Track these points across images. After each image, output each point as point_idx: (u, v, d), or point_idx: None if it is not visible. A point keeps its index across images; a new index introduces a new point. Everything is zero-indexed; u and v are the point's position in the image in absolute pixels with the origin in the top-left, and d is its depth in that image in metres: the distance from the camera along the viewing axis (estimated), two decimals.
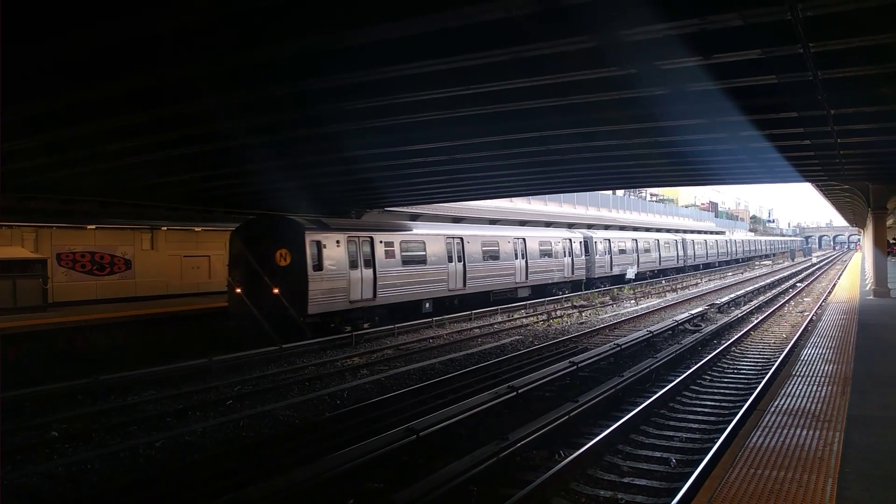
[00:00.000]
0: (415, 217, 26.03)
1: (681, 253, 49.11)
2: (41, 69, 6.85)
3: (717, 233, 70.01)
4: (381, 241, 20.37)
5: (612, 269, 35.68)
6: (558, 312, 25.65)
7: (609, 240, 36.09)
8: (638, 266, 39.02)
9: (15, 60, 6.32)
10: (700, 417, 10.33)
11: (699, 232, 62.72)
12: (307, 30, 5.96)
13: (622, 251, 37.43)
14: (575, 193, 38.74)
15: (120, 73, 7.06)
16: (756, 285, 35.35)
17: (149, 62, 6.82)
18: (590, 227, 39.80)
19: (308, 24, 5.95)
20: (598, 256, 34.11)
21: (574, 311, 26.35)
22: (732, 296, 28.56)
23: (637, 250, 39.85)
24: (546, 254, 29.50)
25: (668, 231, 52.98)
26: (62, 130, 9.43)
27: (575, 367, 12.49)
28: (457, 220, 28.41)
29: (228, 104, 8.69)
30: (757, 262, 72.43)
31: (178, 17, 5.80)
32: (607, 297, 30.85)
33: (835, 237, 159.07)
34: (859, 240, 78.96)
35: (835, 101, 8.74)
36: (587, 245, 33.34)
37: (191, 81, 7.65)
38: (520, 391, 10.55)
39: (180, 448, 9.59)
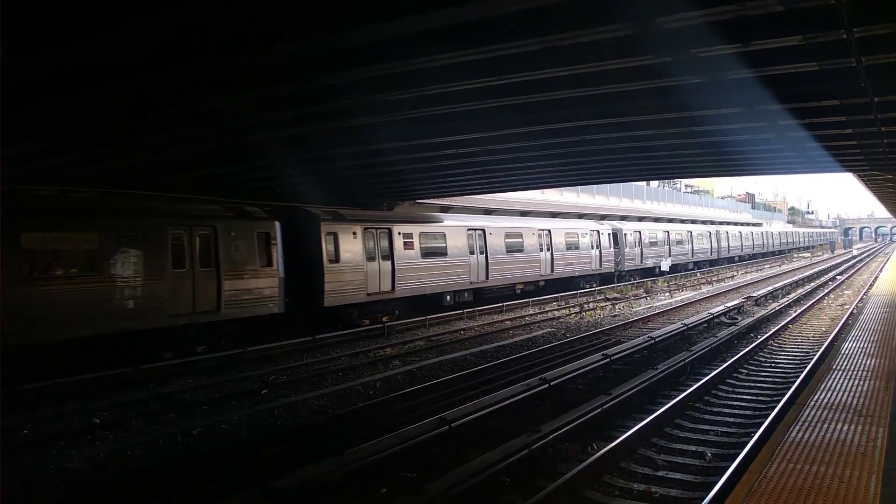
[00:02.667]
0: (446, 209, 26.00)
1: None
2: (76, 68, 6.99)
3: (753, 224, 68.56)
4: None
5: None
6: (591, 305, 25.45)
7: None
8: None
9: (54, 60, 6.49)
10: (736, 412, 10.17)
11: (735, 224, 61.38)
12: (338, 23, 5.98)
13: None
14: (608, 185, 38.31)
15: (157, 68, 7.16)
16: (794, 278, 34.63)
17: (182, 58, 6.92)
18: (622, 218, 39.34)
19: (340, 16, 5.97)
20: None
21: (607, 303, 26.12)
22: (770, 288, 28.03)
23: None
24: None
25: (703, 223, 52.05)
26: (96, 127, 9.62)
27: (608, 359, 12.40)
28: (488, 211, 28.30)
29: (259, 98, 8.77)
30: (795, 255, 71.03)
31: (208, 13, 5.87)
32: (641, 290, 30.49)
33: (876, 229, 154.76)
34: None
35: (879, 89, 8.47)
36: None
37: (223, 77, 7.73)
38: (552, 383, 10.51)
39: (216, 436, 9.77)
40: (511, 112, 9.90)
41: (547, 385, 10.39)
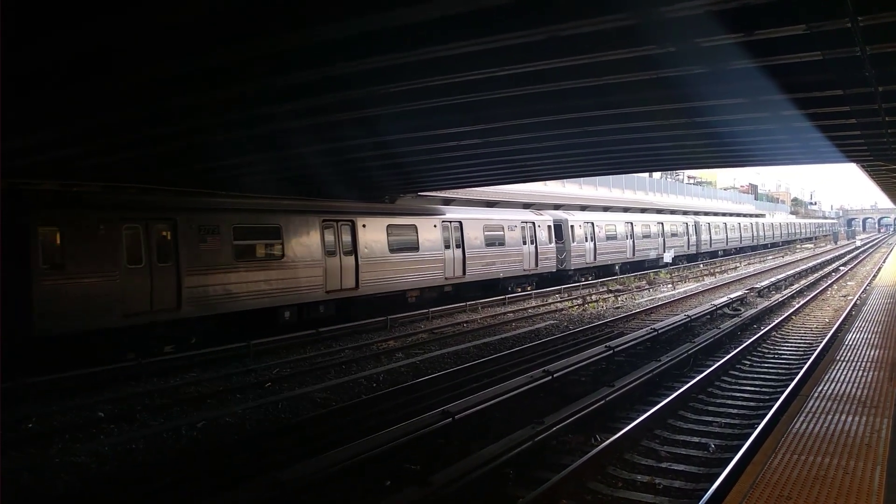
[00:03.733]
0: (447, 201, 25.95)
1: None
2: (80, 55, 6.96)
3: (756, 215, 68.34)
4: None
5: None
6: (593, 297, 25.45)
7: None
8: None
9: (53, 47, 6.46)
10: (740, 403, 10.18)
11: (737, 215, 60.99)
12: (348, 11, 5.94)
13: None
14: (610, 177, 38.19)
15: (163, 57, 7.13)
16: (797, 269, 34.58)
17: (186, 48, 6.88)
18: (625, 210, 39.26)
19: (349, 5, 5.93)
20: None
21: (610, 295, 26.12)
22: (773, 279, 28.00)
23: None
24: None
25: (685, 213, 50.54)
26: (103, 115, 9.59)
27: (611, 351, 12.39)
28: (490, 204, 28.22)
29: (267, 87, 8.73)
30: (798, 245, 70.85)
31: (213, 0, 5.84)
32: (644, 282, 30.49)
33: (880, 219, 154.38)
34: None
35: (884, 78, 8.40)
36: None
37: (228, 65, 7.70)
38: (555, 375, 10.50)
39: (221, 429, 9.80)
40: (514, 103, 9.85)
41: (550, 377, 10.38)
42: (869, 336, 11.39)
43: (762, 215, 71.76)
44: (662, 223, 39.17)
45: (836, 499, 4.72)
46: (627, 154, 16.35)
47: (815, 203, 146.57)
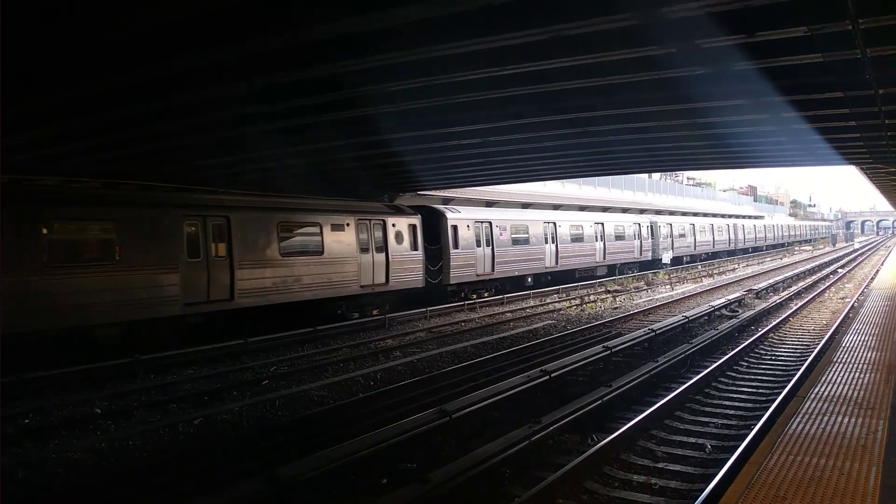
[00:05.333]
0: (447, 201, 25.95)
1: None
2: (86, 52, 6.95)
3: (755, 217, 68.39)
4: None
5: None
6: (591, 297, 25.46)
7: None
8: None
9: (57, 44, 6.45)
10: (737, 404, 10.18)
11: (736, 216, 61.02)
12: (348, 10, 5.94)
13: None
14: (610, 177, 38.18)
15: (158, 57, 7.13)
16: (795, 271, 34.61)
17: (186, 46, 6.88)
18: (624, 211, 39.28)
19: (344, 4, 5.93)
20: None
21: (608, 295, 26.13)
22: (771, 281, 28.01)
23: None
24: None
25: (705, 215, 51.06)
26: (106, 112, 9.59)
27: (608, 351, 12.40)
28: (489, 203, 28.22)
29: (265, 87, 8.73)
30: (797, 248, 70.88)
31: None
32: (642, 283, 30.50)
33: (878, 222, 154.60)
34: None
35: (884, 81, 8.42)
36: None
37: (224, 65, 7.69)
38: (552, 375, 10.51)
39: (218, 426, 9.79)
40: (515, 103, 9.86)
41: (547, 377, 10.39)
42: (866, 338, 11.41)
43: (762, 217, 71.80)
44: (623, 226, 33.96)
45: (832, 499, 4.73)
46: (628, 155, 16.37)
47: (814, 205, 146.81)
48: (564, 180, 34.49)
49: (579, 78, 8.37)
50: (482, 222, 24.07)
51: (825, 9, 6.19)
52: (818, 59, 7.57)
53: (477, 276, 23.53)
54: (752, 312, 19.32)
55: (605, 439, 7.95)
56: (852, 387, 7.95)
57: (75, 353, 12.65)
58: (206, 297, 14.95)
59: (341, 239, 18.45)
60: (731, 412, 9.73)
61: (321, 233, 17.95)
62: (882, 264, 38.97)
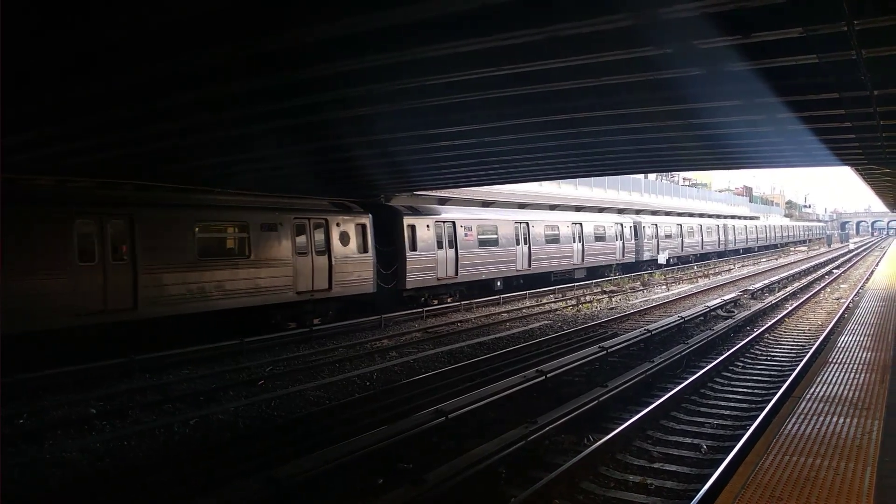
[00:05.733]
0: (443, 201, 25.94)
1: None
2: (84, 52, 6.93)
3: (751, 218, 68.48)
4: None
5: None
6: (587, 298, 25.49)
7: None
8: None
9: (52, 45, 6.43)
10: (732, 404, 10.21)
11: (732, 217, 61.07)
12: (344, 10, 5.93)
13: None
14: (606, 178, 38.18)
15: (155, 58, 7.11)
16: (791, 271, 34.70)
17: (181, 46, 6.86)
18: (620, 211, 39.26)
19: (339, 4, 5.92)
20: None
21: (604, 296, 26.17)
22: (766, 282, 28.08)
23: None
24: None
25: (701, 216, 50.61)
26: (100, 114, 9.56)
27: (604, 352, 12.42)
28: (486, 203, 28.21)
29: (260, 88, 8.72)
30: (792, 248, 71.03)
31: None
32: (638, 283, 30.55)
33: (873, 223, 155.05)
34: None
35: (879, 82, 8.44)
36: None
37: (220, 65, 7.67)
38: (549, 375, 10.53)
39: (213, 426, 9.77)
40: (510, 103, 9.85)
41: (544, 377, 10.40)
42: (861, 339, 11.45)
43: (757, 218, 71.87)
44: (581, 223, 30.68)
45: (827, 499, 4.75)
46: (624, 155, 16.36)
47: (810, 206, 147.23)
48: (578, 183, 34.99)
49: (575, 78, 8.37)
50: (445, 222, 22.46)
51: (821, 10, 6.20)
52: (814, 60, 7.59)
53: (438, 279, 21.87)
54: (747, 313, 19.37)
55: (601, 439, 7.97)
56: (847, 387, 7.97)
57: (70, 353, 12.63)
58: (102, 306, 13.33)
59: (273, 240, 16.76)
60: (727, 413, 9.76)
61: (248, 233, 16.25)
62: (877, 265, 39.09)
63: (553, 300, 24.86)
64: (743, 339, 14.90)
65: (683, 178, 69.60)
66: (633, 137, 13.09)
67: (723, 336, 15.36)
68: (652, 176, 49.71)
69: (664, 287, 29.46)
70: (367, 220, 19.59)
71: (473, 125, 11.37)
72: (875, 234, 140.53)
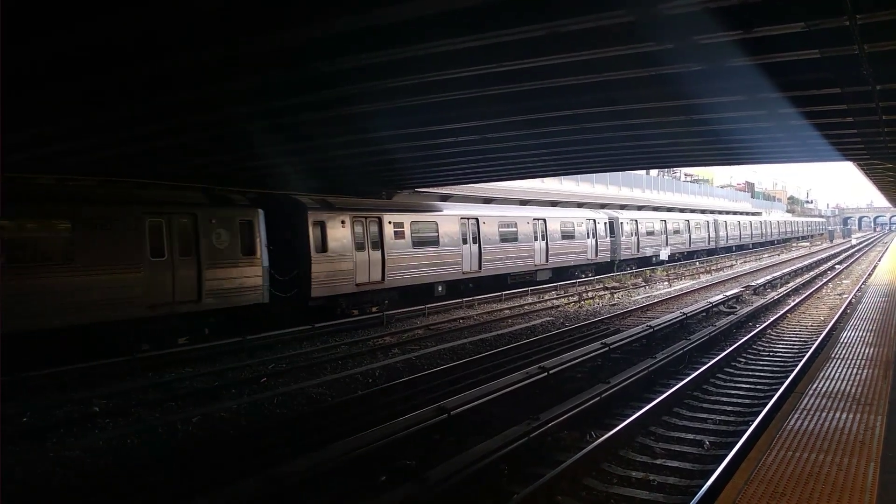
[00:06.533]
0: (445, 198, 25.93)
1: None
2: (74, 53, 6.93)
3: (753, 214, 68.31)
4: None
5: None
6: (589, 294, 25.48)
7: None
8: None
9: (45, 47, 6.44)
10: (734, 400, 10.19)
11: (734, 213, 60.83)
12: (342, 8, 5.92)
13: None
14: (608, 174, 38.15)
15: (150, 56, 7.10)
16: (793, 267, 34.67)
17: (178, 46, 6.85)
18: (622, 207, 39.23)
19: (343, 2, 5.92)
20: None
21: (606, 292, 26.15)
22: (768, 278, 28.05)
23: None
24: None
25: (703, 212, 49.86)
26: (100, 112, 9.57)
27: (607, 348, 12.40)
28: (487, 200, 28.21)
29: (259, 86, 8.71)
30: (794, 244, 70.85)
31: None
32: (640, 279, 30.53)
33: (875, 218, 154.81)
34: None
35: (881, 76, 8.42)
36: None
37: (217, 64, 7.66)
38: (551, 372, 10.52)
39: (216, 424, 9.78)
40: (511, 100, 9.84)
41: (546, 373, 10.39)
42: (864, 334, 11.42)
43: (759, 213, 71.67)
44: (545, 219, 27.78)
45: (830, 495, 4.74)
46: (625, 151, 16.36)
47: (812, 201, 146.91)
48: (579, 179, 34.38)
49: (577, 74, 8.36)
50: (367, 218, 19.45)
51: (822, 5, 6.19)
52: (815, 55, 7.57)
53: (357, 286, 18.89)
54: (749, 309, 19.35)
55: (603, 436, 7.96)
56: (850, 383, 7.95)
57: (73, 351, 12.66)
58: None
59: (110, 241, 13.43)
60: (729, 408, 9.74)
61: (72, 233, 12.89)
62: (879, 260, 39.03)
63: (555, 296, 24.85)
64: (745, 335, 14.88)
65: (685, 174, 69.56)
66: (633, 133, 13.09)
67: (725, 332, 15.34)
68: (654, 172, 49.67)
69: (666, 283, 29.44)
70: (256, 217, 16.31)
71: (474, 122, 11.37)
72: (877, 229, 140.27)
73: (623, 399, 9.83)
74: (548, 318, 19.38)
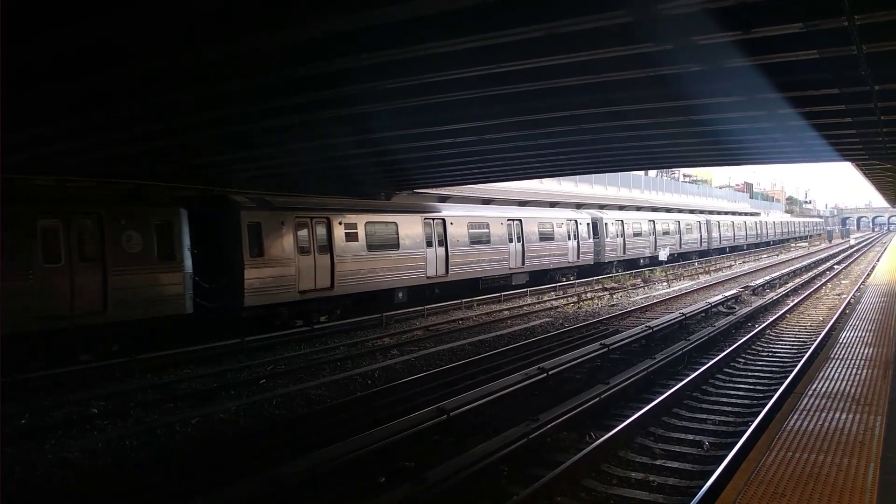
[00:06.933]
0: (443, 199, 25.90)
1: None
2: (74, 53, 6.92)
3: (751, 214, 68.29)
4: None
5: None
6: (588, 295, 25.48)
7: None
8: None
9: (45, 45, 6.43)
10: (734, 401, 10.19)
11: (732, 213, 60.74)
12: (340, 7, 5.92)
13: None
14: (606, 174, 38.15)
15: (149, 56, 7.09)
16: (792, 267, 34.69)
17: (177, 45, 6.84)
18: (621, 208, 39.22)
19: (343, 2, 5.91)
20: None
21: (605, 293, 26.15)
22: (767, 278, 28.06)
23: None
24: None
25: (692, 212, 48.13)
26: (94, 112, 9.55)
27: (606, 349, 12.39)
28: (486, 201, 28.19)
29: (259, 86, 8.70)
30: (793, 244, 70.85)
31: None
32: (639, 280, 30.53)
33: (874, 218, 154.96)
34: None
35: (880, 77, 8.42)
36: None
37: (216, 63, 7.65)
38: (550, 372, 10.51)
39: (215, 425, 9.77)
40: (510, 100, 9.83)
41: (545, 374, 10.38)
42: (863, 334, 11.42)
43: (758, 214, 71.67)
44: (521, 220, 26.05)
45: (830, 496, 4.73)
46: (624, 152, 16.36)
47: (810, 202, 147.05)
48: (578, 180, 33.98)
49: (575, 75, 8.35)
50: (313, 219, 17.69)
51: (821, 5, 6.19)
52: (814, 55, 7.57)
53: (301, 293, 17.18)
54: (748, 309, 19.35)
55: (603, 437, 7.96)
56: (850, 383, 7.95)
57: (71, 352, 12.64)
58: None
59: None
60: (729, 409, 9.74)
61: None
62: (878, 260, 39.07)
63: (554, 297, 24.84)
64: (744, 336, 14.88)
65: (684, 175, 69.60)
66: (632, 134, 13.08)
67: (724, 332, 15.35)
68: (652, 173, 49.65)
69: (665, 284, 29.45)
70: (175, 216, 14.74)
71: (473, 122, 11.36)
72: (876, 229, 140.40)
73: (622, 400, 9.83)
74: (547, 319, 19.38)
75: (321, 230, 17.86)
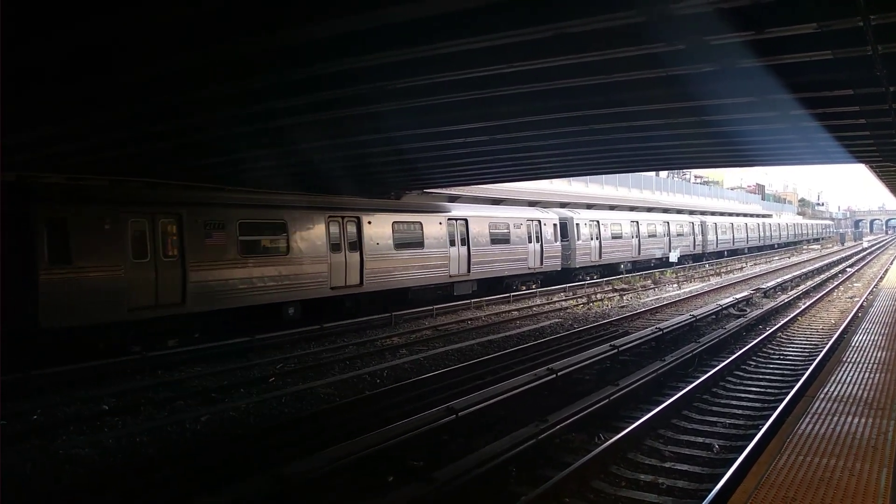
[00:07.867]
0: (453, 198, 25.90)
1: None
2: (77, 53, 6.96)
3: (763, 216, 67.82)
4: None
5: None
6: (598, 296, 25.40)
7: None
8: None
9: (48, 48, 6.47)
10: (744, 403, 10.12)
11: (743, 215, 60.36)
12: (350, 7, 5.92)
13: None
14: (617, 175, 38.02)
15: (157, 56, 7.12)
16: (803, 270, 34.44)
17: (186, 44, 6.87)
18: (631, 209, 39.07)
19: (349, 1, 5.92)
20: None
21: (615, 294, 26.07)
22: (779, 280, 27.86)
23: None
24: None
25: (678, 211, 45.54)
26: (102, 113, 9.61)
27: (615, 350, 12.35)
28: (496, 201, 28.15)
29: (263, 86, 8.72)
30: (805, 246, 70.32)
31: None
32: (649, 281, 30.41)
33: (888, 221, 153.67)
34: None
35: (895, 77, 8.35)
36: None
37: (228, 63, 7.67)
38: (559, 373, 10.48)
39: (225, 423, 9.81)
40: (520, 101, 9.81)
41: (554, 375, 10.36)
42: (876, 338, 11.32)
43: (770, 215, 71.15)
44: (467, 220, 22.74)
45: (842, 501, 4.69)
46: (635, 153, 16.29)
47: (823, 204, 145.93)
48: (589, 181, 33.90)
49: (586, 75, 8.32)
50: (155, 215, 14.20)
51: (835, 5, 6.14)
52: (828, 55, 7.51)
53: (133, 311, 13.51)
54: (759, 311, 19.22)
55: (612, 438, 7.92)
56: (862, 387, 7.88)
57: (83, 350, 12.73)
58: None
59: None
60: (739, 412, 9.68)
61: None
62: (891, 263, 38.73)
63: (563, 298, 24.78)
64: (756, 338, 14.78)
65: (696, 176, 69.27)
66: (645, 135, 13.02)
67: (735, 335, 15.25)
68: (663, 174, 49.39)
69: (675, 285, 29.32)
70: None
71: (483, 122, 11.33)
72: (890, 232, 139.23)
73: (632, 401, 9.78)
74: (556, 320, 19.33)
75: (170, 229, 14.60)
